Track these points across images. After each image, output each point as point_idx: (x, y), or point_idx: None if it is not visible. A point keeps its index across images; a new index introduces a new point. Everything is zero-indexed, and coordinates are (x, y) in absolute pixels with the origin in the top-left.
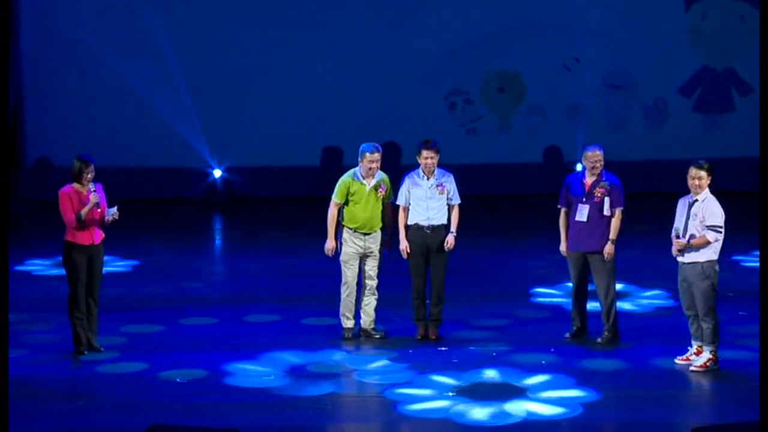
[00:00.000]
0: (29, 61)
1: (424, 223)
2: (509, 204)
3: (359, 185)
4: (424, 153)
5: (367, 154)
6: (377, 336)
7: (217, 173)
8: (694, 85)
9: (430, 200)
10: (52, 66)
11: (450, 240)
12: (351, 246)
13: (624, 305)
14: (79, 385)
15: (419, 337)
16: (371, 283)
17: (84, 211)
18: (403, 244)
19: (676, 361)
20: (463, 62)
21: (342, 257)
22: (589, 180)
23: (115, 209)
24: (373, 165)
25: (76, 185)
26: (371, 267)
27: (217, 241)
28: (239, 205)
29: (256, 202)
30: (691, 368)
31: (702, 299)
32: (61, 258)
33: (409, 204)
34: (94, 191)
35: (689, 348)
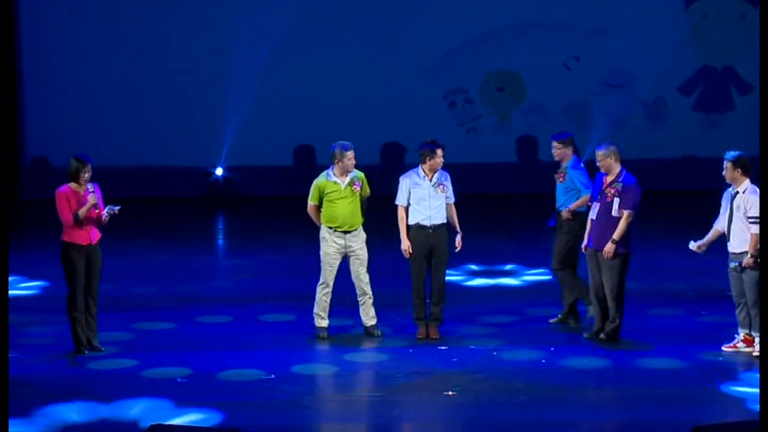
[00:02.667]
0: (28, 60)
1: (426, 223)
2: (509, 203)
3: (333, 184)
4: (440, 152)
5: (347, 152)
6: (376, 335)
7: (219, 172)
8: (694, 83)
9: (432, 199)
10: (51, 66)
11: (459, 241)
12: (331, 245)
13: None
14: (79, 384)
15: (420, 337)
16: (361, 284)
17: (81, 212)
18: (405, 244)
19: (723, 348)
20: (463, 61)
21: (322, 256)
22: (606, 179)
23: (116, 208)
24: (353, 161)
25: (73, 185)
26: (358, 268)
27: (221, 241)
28: (241, 204)
29: (257, 201)
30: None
31: (752, 288)
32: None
33: (409, 204)
34: (92, 191)
35: (736, 336)
